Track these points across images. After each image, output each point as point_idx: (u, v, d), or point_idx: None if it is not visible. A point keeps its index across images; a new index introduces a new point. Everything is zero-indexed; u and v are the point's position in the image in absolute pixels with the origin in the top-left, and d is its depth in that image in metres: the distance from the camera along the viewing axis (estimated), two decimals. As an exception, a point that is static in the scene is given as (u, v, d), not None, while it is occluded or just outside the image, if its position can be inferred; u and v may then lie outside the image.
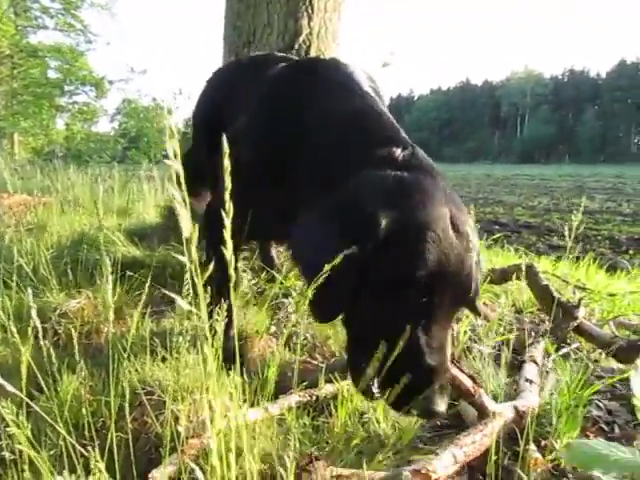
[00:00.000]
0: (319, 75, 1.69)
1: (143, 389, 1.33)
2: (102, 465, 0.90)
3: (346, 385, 1.41)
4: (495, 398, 1.49)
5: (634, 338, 2.08)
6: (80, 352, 1.21)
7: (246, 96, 1.83)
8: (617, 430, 1.57)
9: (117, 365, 1.32)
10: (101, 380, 1.43)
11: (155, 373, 1.43)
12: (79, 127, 19.87)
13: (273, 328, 2.00)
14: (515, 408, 1.43)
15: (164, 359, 1.48)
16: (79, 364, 1.19)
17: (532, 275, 2.35)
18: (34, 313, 0.94)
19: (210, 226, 2.04)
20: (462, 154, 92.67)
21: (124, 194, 4.63)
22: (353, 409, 1.40)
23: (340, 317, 1.30)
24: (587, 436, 1.50)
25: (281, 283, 2.25)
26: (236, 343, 0.93)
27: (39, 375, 1.08)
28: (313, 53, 2.57)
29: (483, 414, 1.39)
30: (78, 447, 0.93)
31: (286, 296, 2.18)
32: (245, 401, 1.32)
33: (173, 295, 0.71)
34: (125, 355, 1.36)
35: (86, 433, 1.10)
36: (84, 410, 1.10)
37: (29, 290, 1.08)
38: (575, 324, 2.11)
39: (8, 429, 0.88)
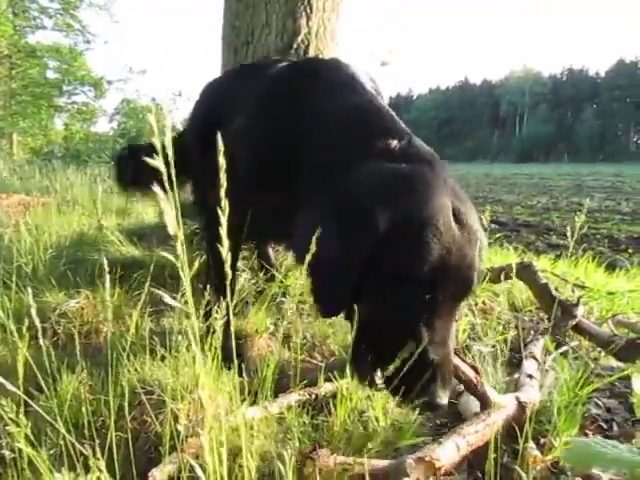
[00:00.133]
0: (320, 75, 1.68)
1: (142, 388, 1.33)
2: (102, 464, 0.90)
3: (345, 384, 1.41)
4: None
5: (633, 336, 2.08)
6: (80, 352, 1.21)
7: (244, 97, 1.82)
8: (616, 428, 1.57)
9: (116, 364, 1.32)
10: (100, 379, 1.43)
11: (154, 372, 1.43)
12: (78, 127, 19.87)
13: (272, 327, 2.00)
14: (517, 399, 1.43)
15: (163, 358, 1.48)
16: (79, 364, 1.19)
17: (531, 274, 2.35)
18: (34, 312, 0.94)
19: (208, 225, 2.05)
20: (461, 153, 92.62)
21: (123, 194, 4.62)
22: (352, 408, 1.40)
23: (342, 312, 1.31)
24: (586, 434, 1.50)
25: (281, 282, 2.25)
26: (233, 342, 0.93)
27: (39, 375, 1.08)
28: (312, 53, 2.57)
29: (485, 405, 1.39)
30: (78, 446, 0.93)
31: (285, 295, 2.18)
32: (244, 400, 1.32)
33: (161, 292, 0.71)
34: (124, 355, 1.36)
35: (86, 432, 1.10)
36: (84, 409, 1.10)
37: (29, 290, 1.08)
38: (574, 322, 2.11)
39: (8, 428, 0.88)
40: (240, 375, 1.39)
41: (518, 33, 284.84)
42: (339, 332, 1.95)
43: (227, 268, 0.75)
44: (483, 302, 2.48)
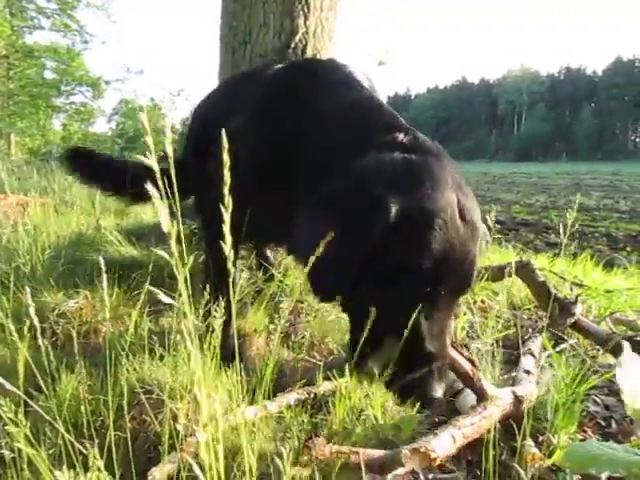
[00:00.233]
0: (317, 75, 1.68)
1: (142, 388, 1.33)
2: (101, 463, 0.91)
3: (344, 382, 1.41)
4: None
5: (631, 334, 2.08)
6: (79, 352, 1.21)
7: (241, 103, 1.81)
8: (614, 425, 1.57)
9: (115, 364, 1.32)
10: (100, 379, 1.43)
11: (153, 372, 1.43)
12: (76, 127, 19.87)
13: (272, 326, 2.00)
14: (514, 393, 1.43)
15: (162, 358, 1.48)
16: (78, 363, 1.19)
17: (529, 272, 2.36)
18: (32, 311, 0.94)
19: (208, 221, 2.04)
20: (460, 152, 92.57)
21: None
22: (351, 406, 1.40)
23: (342, 302, 1.30)
24: (584, 431, 1.50)
25: (280, 281, 2.25)
26: (235, 341, 0.93)
27: (38, 375, 1.08)
28: (309, 52, 2.57)
29: (482, 398, 1.39)
30: (77, 445, 0.94)
31: (284, 292, 2.18)
32: (243, 399, 1.32)
33: (157, 291, 0.71)
34: (123, 354, 1.36)
35: (85, 432, 1.10)
36: (83, 409, 1.10)
37: (27, 290, 1.08)
38: (572, 320, 2.12)
39: (7, 427, 0.88)
40: (239, 374, 1.39)
41: (516, 32, 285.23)
42: (338, 331, 1.96)
43: (229, 265, 0.75)
44: (482, 300, 2.48)
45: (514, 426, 1.34)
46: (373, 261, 1.17)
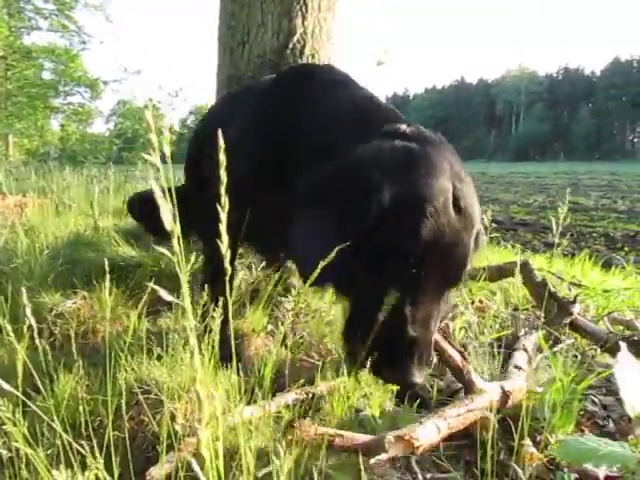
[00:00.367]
0: (314, 77, 1.69)
1: (140, 388, 1.33)
2: (100, 463, 0.90)
3: (342, 382, 1.41)
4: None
5: (628, 334, 2.09)
6: (77, 352, 1.21)
7: (240, 114, 1.80)
8: (612, 424, 1.57)
9: (114, 364, 1.32)
10: (98, 379, 1.43)
11: (152, 372, 1.43)
12: (74, 128, 19.85)
13: (270, 326, 2.00)
14: (502, 388, 1.44)
15: (160, 358, 1.48)
16: (76, 364, 1.19)
17: (527, 272, 2.36)
18: (28, 311, 0.94)
19: (205, 220, 2.03)
20: (458, 152, 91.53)
21: (120, 195, 4.63)
22: (349, 406, 1.40)
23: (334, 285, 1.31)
24: (582, 431, 1.51)
25: (278, 281, 2.25)
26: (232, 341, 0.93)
27: (36, 375, 1.08)
28: (308, 53, 2.57)
29: (470, 390, 1.40)
30: (75, 445, 0.94)
31: (285, 291, 2.18)
32: (241, 399, 1.33)
33: (158, 288, 0.71)
34: (122, 354, 1.36)
35: (83, 432, 1.10)
36: (81, 409, 1.10)
37: (23, 290, 1.08)
38: (570, 320, 2.12)
39: (5, 427, 0.88)
40: (237, 374, 1.39)
41: (514, 32, 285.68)
42: (336, 331, 1.96)
43: (227, 263, 0.75)
44: (479, 300, 2.49)
45: (512, 426, 1.34)
46: (364, 244, 1.17)
